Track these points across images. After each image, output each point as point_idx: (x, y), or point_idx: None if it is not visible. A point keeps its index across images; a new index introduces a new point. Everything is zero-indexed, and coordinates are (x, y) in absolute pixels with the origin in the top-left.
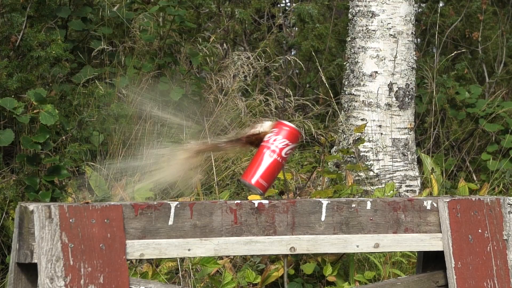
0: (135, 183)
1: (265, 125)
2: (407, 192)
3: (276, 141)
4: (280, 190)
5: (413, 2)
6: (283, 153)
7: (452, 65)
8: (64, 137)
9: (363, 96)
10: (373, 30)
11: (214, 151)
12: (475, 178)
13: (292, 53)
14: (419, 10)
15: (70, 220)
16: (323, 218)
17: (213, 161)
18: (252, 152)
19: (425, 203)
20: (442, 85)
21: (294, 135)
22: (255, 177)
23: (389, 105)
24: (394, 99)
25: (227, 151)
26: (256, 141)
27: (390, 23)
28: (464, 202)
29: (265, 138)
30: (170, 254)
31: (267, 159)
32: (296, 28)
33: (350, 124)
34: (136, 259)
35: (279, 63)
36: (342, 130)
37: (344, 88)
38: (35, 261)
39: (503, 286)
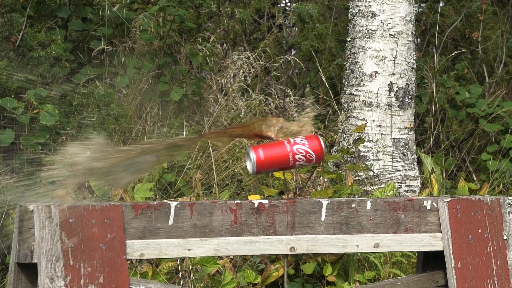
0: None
1: (301, 122)
2: (407, 192)
3: (297, 138)
4: (280, 190)
5: (413, 2)
6: (294, 148)
7: (452, 65)
8: (64, 137)
9: (363, 96)
10: (373, 30)
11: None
12: (475, 178)
13: (292, 53)
14: (419, 10)
15: (70, 220)
16: (323, 218)
17: (213, 161)
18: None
19: (425, 203)
20: (442, 85)
21: (316, 146)
22: (259, 149)
23: (389, 105)
24: (394, 99)
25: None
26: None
27: (390, 23)
28: (464, 202)
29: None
30: (170, 254)
31: (279, 142)
32: (296, 28)
33: (350, 124)
34: (136, 259)
35: (279, 63)
36: (342, 130)
37: (344, 88)
38: (35, 261)
39: (503, 286)
